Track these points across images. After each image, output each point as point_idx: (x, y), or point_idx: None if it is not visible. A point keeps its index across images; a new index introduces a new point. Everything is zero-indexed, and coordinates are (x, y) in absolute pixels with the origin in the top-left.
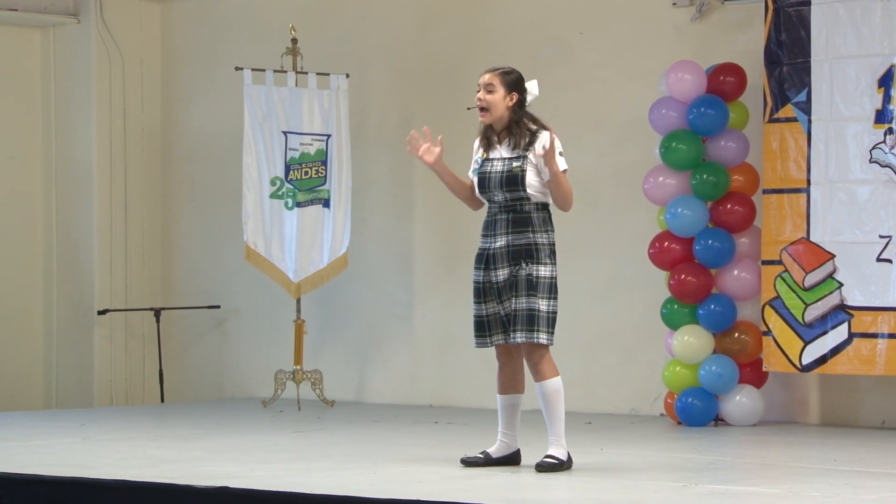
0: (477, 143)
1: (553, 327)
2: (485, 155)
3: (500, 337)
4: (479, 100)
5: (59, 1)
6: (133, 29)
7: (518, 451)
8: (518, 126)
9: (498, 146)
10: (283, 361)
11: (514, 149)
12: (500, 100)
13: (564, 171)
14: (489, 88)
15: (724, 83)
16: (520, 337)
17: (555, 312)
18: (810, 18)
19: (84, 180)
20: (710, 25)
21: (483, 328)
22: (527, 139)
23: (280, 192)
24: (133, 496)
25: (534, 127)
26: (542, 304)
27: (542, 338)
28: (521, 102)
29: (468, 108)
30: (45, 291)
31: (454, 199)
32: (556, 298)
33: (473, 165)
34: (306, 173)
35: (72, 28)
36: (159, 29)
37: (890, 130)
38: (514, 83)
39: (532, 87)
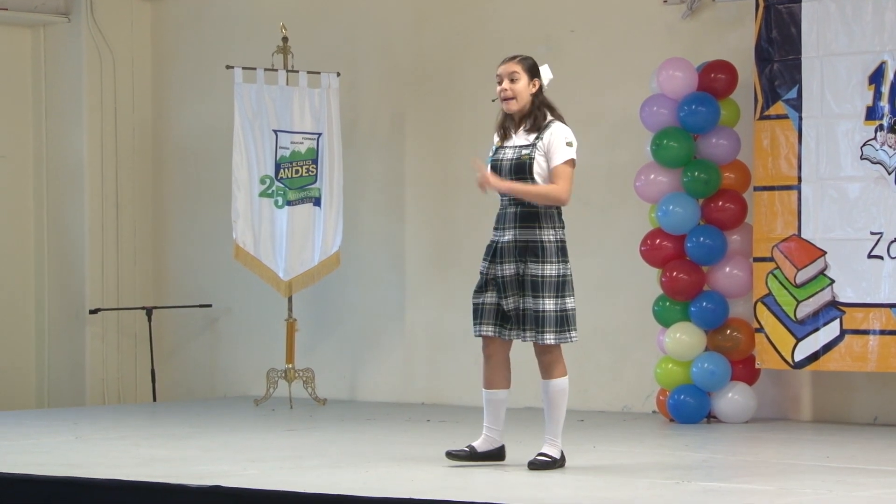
0: (496, 134)
1: (563, 326)
2: (500, 143)
3: (489, 328)
4: (505, 90)
5: (49, 0)
6: (124, 28)
7: (503, 446)
8: (539, 111)
9: (514, 134)
10: (275, 360)
11: (529, 134)
12: (525, 87)
13: (570, 160)
14: (513, 77)
15: (715, 80)
16: (529, 337)
17: (565, 310)
18: (801, 15)
19: (75, 179)
20: (700, 23)
21: (477, 315)
22: (541, 126)
23: (270, 191)
24: (125, 495)
25: (549, 117)
26: (549, 304)
27: (549, 338)
28: (541, 88)
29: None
30: (37, 290)
31: (447, 198)
32: (566, 296)
33: (490, 153)
34: (297, 172)
35: (62, 27)
36: (150, 28)
37: (881, 127)
38: (533, 69)
39: (546, 71)
